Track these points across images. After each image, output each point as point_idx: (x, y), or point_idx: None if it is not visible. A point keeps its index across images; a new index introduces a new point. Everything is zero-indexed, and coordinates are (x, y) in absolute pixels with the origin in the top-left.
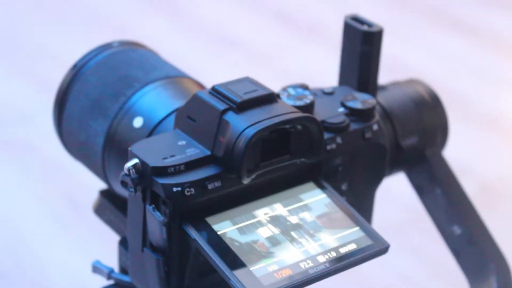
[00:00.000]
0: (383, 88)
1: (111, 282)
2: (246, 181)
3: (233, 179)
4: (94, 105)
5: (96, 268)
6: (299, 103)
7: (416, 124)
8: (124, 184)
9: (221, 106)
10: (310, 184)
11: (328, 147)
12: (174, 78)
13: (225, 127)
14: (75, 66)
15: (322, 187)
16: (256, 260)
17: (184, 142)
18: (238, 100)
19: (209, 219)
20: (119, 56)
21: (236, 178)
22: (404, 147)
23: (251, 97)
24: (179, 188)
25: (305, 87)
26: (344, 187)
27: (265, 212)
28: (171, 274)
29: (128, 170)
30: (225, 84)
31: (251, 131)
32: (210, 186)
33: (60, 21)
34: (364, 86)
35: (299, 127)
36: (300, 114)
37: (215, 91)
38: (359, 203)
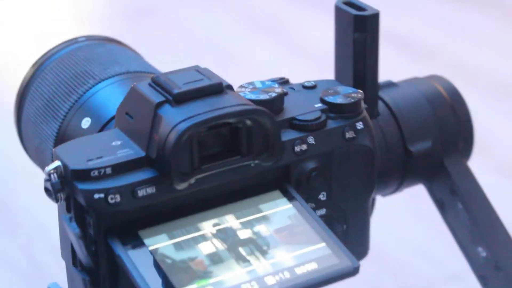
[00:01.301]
0: (393, 85)
1: None
2: (180, 186)
3: (172, 186)
4: (47, 105)
5: None
6: (262, 96)
7: (429, 127)
8: (46, 191)
9: (157, 98)
10: (276, 193)
11: (297, 149)
12: (135, 73)
13: (159, 122)
14: (35, 63)
15: (289, 197)
16: (188, 281)
17: (119, 142)
18: (176, 91)
19: (142, 233)
20: (83, 51)
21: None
22: (414, 152)
23: (192, 88)
24: (102, 195)
25: (284, 81)
26: (322, 197)
27: (213, 224)
28: None
29: (49, 174)
30: (167, 74)
31: (182, 126)
32: (140, 193)
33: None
34: (361, 81)
35: (248, 122)
36: (247, 107)
37: (154, 82)
38: (345, 218)
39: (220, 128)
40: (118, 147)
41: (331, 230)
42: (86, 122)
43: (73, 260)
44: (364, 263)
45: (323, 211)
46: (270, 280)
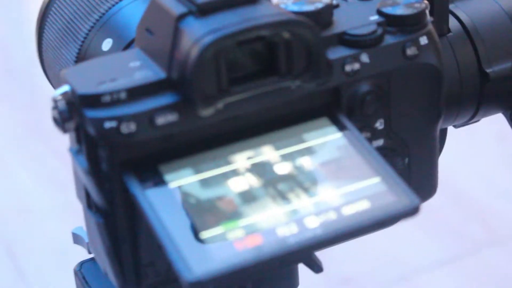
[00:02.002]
0: None
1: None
2: (206, 112)
3: (197, 112)
4: (67, 28)
5: (77, 237)
6: (306, 8)
7: (509, 46)
8: (54, 121)
9: (178, 10)
10: (323, 121)
11: (348, 68)
12: None
13: (180, 37)
14: None
15: (339, 125)
16: (214, 222)
17: (138, 63)
18: (200, 0)
19: (163, 168)
20: None
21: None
22: (491, 75)
23: None
24: (114, 124)
25: None
26: (379, 125)
27: (248, 156)
28: (120, 243)
29: (55, 101)
30: None
31: (207, 40)
32: (160, 121)
33: None
34: None
35: (286, 35)
36: (284, 17)
37: None
38: (407, 150)
39: (253, 44)
40: (136, 69)
41: (389, 164)
42: (107, 44)
43: (87, 201)
44: (448, 208)
45: (380, 142)
46: (312, 222)
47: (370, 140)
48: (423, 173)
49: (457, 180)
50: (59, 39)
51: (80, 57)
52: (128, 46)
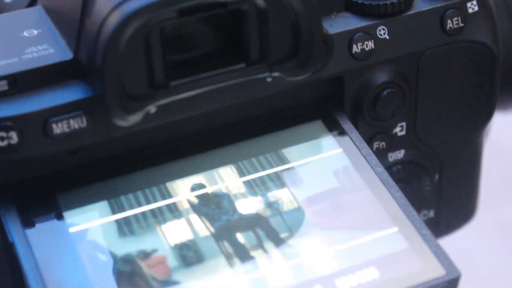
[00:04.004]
0: None
1: None
2: (127, 119)
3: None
4: None
5: None
6: None
7: None
8: None
9: None
10: (316, 126)
11: (357, 48)
12: None
13: (92, 1)
14: None
15: (338, 132)
16: None
17: (35, 32)
18: None
19: (62, 200)
20: None
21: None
22: None
23: None
24: None
25: None
26: (399, 130)
27: (194, 185)
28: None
29: None
30: None
31: (133, 4)
32: (57, 129)
33: None
34: None
35: (260, 2)
36: None
37: None
38: (439, 163)
39: (207, 14)
40: (31, 41)
41: (411, 192)
42: None
43: None
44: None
45: (399, 154)
46: None
47: (385, 151)
48: (458, 194)
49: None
50: None
51: None
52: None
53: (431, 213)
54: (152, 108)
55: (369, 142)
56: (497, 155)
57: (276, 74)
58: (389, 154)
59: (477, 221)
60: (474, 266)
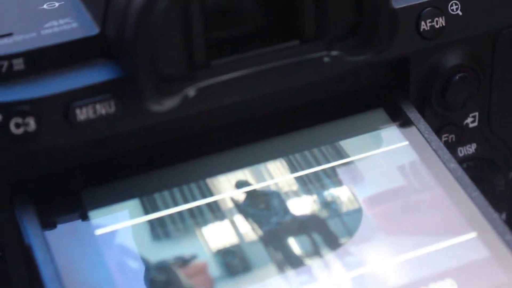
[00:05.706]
0: None
1: None
2: (163, 104)
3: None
4: None
5: None
6: None
7: None
8: None
9: None
10: (378, 115)
11: (425, 25)
12: None
13: None
14: None
15: (403, 122)
16: None
17: (56, 4)
18: None
19: (87, 197)
20: None
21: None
22: None
23: None
24: None
25: None
26: (471, 121)
27: (237, 182)
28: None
29: None
30: None
31: None
32: (82, 115)
33: None
34: None
35: None
36: None
37: None
38: None
39: None
40: (52, 14)
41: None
42: None
43: None
44: None
45: (470, 149)
46: None
47: (455, 145)
48: None
49: None
50: None
51: None
52: None
53: (503, 217)
54: (190, 91)
55: (437, 135)
56: None
57: (334, 53)
58: (459, 149)
59: None
60: None
